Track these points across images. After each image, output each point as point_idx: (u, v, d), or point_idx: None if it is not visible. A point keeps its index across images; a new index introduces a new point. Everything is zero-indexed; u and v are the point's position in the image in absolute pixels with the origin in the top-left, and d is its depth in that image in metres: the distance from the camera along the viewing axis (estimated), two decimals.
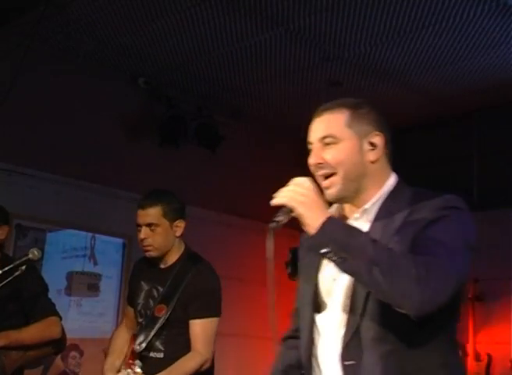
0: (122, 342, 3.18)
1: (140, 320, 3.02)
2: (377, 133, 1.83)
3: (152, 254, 2.98)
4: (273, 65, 4.85)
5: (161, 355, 2.93)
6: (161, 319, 2.92)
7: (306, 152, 1.89)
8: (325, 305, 1.81)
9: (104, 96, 5.05)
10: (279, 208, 1.66)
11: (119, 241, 5.35)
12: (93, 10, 4.15)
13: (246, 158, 5.93)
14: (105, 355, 3.24)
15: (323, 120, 1.84)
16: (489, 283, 5.28)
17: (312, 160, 1.82)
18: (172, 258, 3.01)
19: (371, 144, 1.82)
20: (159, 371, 2.83)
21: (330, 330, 1.77)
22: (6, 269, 2.92)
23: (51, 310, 3.38)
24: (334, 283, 1.79)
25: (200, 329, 2.88)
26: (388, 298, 1.59)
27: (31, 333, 3.26)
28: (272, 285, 1.67)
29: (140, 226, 2.97)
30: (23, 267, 2.95)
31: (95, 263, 5.42)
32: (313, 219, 1.62)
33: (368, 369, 1.68)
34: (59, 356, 4.73)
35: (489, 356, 5.19)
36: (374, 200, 1.82)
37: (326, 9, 4.04)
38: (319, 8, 4.02)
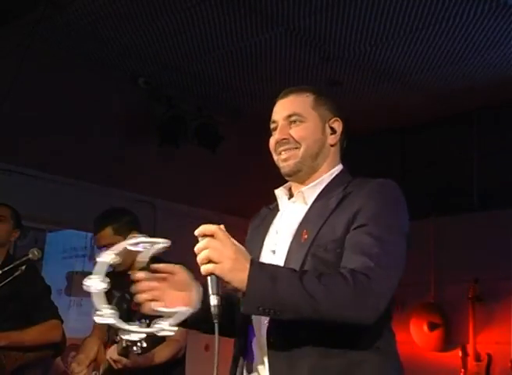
0: (91, 346, 3.35)
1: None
2: (337, 119, 1.95)
3: (120, 269, 3.14)
4: (273, 65, 4.84)
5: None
6: (138, 312, 3.09)
7: None
8: None
9: (105, 96, 5.04)
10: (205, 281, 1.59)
11: None
12: (93, 10, 4.15)
13: (246, 158, 5.93)
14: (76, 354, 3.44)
15: (289, 101, 1.94)
16: (489, 283, 5.27)
17: (278, 136, 1.91)
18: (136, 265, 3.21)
19: (332, 128, 1.94)
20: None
21: None
22: (6, 269, 2.93)
23: (53, 313, 3.39)
24: (274, 256, 1.84)
25: None
26: (340, 322, 1.60)
27: (32, 335, 3.27)
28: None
29: (99, 248, 3.15)
30: (23, 267, 2.96)
31: (95, 263, 5.41)
32: (239, 282, 1.57)
33: (295, 346, 1.68)
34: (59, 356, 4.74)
35: (489, 356, 5.19)
36: (313, 183, 1.90)
37: (326, 9, 4.04)
38: (319, 8, 4.02)
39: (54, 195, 4.92)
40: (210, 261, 1.56)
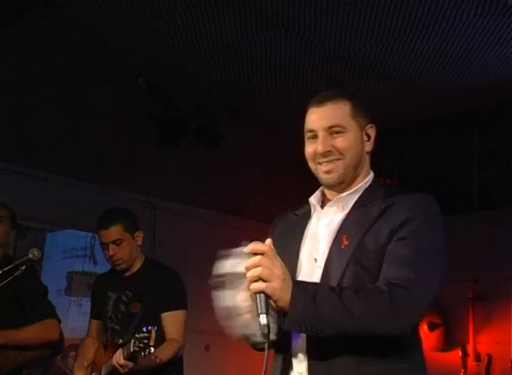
0: (89, 347, 3.45)
1: (111, 325, 3.31)
2: (371, 125, 1.95)
3: (123, 266, 3.32)
4: (273, 65, 4.84)
5: None
6: (138, 315, 3.22)
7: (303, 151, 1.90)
8: None
9: (104, 96, 5.04)
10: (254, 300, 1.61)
11: None
12: (93, 10, 4.15)
13: (246, 158, 5.93)
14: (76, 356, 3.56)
15: (328, 110, 1.89)
16: (489, 283, 5.28)
17: (321, 148, 1.87)
18: (136, 265, 3.35)
19: (367, 135, 1.93)
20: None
21: None
22: (6, 269, 2.93)
23: (50, 312, 3.40)
24: (315, 264, 1.83)
25: (172, 319, 3.21)
26: (378, 335, 1.65)
27: (29, 333, 3.27)
28: None
29: (105, 244, 3.29)
30: (23, 267, 2.96)
31: (95, 263, 5.42)
32: (284, 301, 1.61)
33: (333, 355, 1.70)
34: (59, 356, 4.74)
35: (489, 356, 5.19)
36: (352, 191, 1.90)
37: (326, 9, 4.04)
38: (319, 8, 4.02)
39: (54, 195, 4.92)
40: (260, 279, 1.59)
